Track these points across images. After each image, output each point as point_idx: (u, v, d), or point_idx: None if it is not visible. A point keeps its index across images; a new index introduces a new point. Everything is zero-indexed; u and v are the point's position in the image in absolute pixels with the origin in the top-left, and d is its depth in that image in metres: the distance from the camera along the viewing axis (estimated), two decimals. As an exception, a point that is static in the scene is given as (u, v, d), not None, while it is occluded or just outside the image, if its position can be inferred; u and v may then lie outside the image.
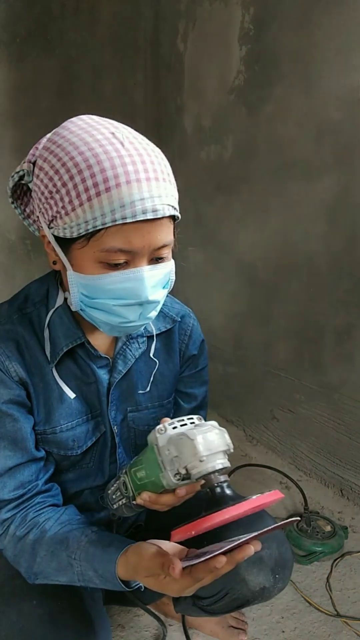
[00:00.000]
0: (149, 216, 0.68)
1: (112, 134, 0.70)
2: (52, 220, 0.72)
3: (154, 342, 0.93)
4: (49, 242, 0.75)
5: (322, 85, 1.56)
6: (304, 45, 1.60)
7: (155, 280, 0.74)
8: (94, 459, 0.93)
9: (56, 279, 0.86)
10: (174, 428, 0.69)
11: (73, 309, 0.77)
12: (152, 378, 0.94)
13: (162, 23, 2.22)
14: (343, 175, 1.56)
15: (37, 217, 0.77)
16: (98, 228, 0.68)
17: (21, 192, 0.85)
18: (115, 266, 0.71)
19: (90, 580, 0.77)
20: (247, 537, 0.61)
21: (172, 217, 0.74)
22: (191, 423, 0.70)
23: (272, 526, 0.64)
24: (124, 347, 0.90)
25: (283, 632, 1.27)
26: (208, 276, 2.24)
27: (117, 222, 0.68)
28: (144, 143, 0.72)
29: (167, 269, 0.76)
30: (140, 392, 0.93)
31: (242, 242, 2.02)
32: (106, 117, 0.76)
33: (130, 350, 0.90)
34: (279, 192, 1.79)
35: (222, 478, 0.65)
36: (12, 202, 0.84)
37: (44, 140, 0.76)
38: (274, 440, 2.05)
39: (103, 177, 0.67)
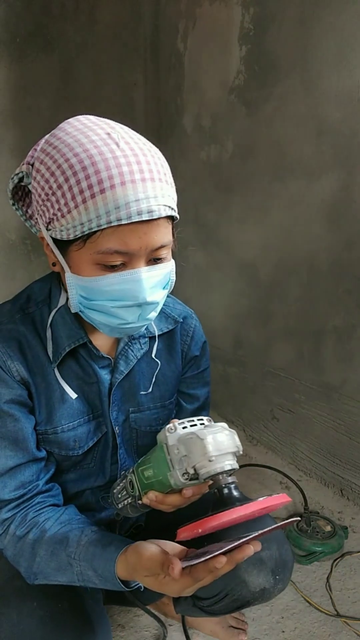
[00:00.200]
0: (145, 217, 0.68)
1: (108, 134, 0.70)
2: (50, 222, 0.72)
3: (156, 342, 0.93)
4: (48, 244, 0.75)
5: (322, 85, 1.56)
6: (304, 45, 1.60)
7: (153, 281, 0.74)
8: (95, 459, 0.93)
9: (58, 279, 0.86)
10: (184, 428, 0.69)
11: (72, 310, 0.77)
12: (154, 379, 0.94)
13: (162, 23, 2.22)
14: (343, 175, 1.56)
15: (37, 219, 0.77)
16: (93, 230, 0.68)
17: (23, 194, 0.85)
18: (112, 268, 0.71)
19: (89, 580, 0.77)
20: (247, 538, 0.61)
21: (171, 218, 0.74)
22: (201, 424, 0.70)
23: (272, 526, 0.64)
24: (126, 347, 0.90)
25: (283, 632, 1.27)
26: (208, 276, 2.24)
27: (112, 224, 0.67)
28: (140, 143, 0.71)
29: (166, 269, 0.76)
30: (142, 392, 0.93)
31: (242, 242, 2.02)
32: (106, 117, 0.76)
33: (132, 351, 0.90)
34: (279, 192, 1.79)
35: (230, 479, 0.65)
36: (13, 204, 0.84)
37: (42, 141, 0.75)
38: (274, 440, 2.05)
39: (97, 178, 0.66)
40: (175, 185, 0.76)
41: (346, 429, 1.73)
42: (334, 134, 1.56)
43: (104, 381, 0.88)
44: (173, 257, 0.79)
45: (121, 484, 0.81)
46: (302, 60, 1.61)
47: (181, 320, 0.97)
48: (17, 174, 0.78)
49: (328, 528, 1.53)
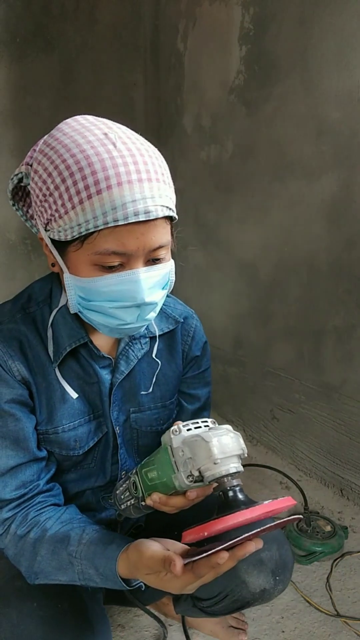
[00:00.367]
0: (141, 218, 0.68)
1: (105, 134, 0.69)
2: (48, 223, 0.72)
3: (157, 342, 0.93)
4: (47, 244, 0.75)
5: (322, 85, 1.56)
6: (304, 45, 1.60)
7: (152, 282, 0.74)
8: (96, 459, 0.93)
9: (59, 279, 0.86)
10: (189, 430, 0.69)
11: (71, 311, 0.77)
12: (154, 379, 0.94)
13: (162, 23, 2.22)
14: (343, 175, 1.56)
15: (35, 219, 0.77)
16: (91, 231, 0.68)
17: (23, 194, 0.85)
18: (111, 268, 0.71)
19: (90, 579, 0.76)
20: (249, 534, 0.61)
21: (169, 218, 0.74)
22: (205, 426, 0.70)
23: (273, 523, 0.63)
24: (127, 347, 0.90)
25: (283, 632, 1.27)
26: (208, 276, 2.24)
27: (109, 225, 0.67)
28: (138, 143, 0.71)
29: (164, 270, 0.76)
30: (143, 392, 0.93)
31: (242, 242, 2.02)
32: (106, 117, 0.75)
33: (133, 351, 0.90)
34: (279, 192, 1.79)
35: (235, 482, 0.65)
36: (13, 204, 0.84)
37: (40, 142, 0.76)
38: (274, 440, 2.05)
39: (94, 179, 0.66)
40: (175, 185, 0.76)
41: (346, 429, 1.73)
42: (334, 134, 1.56)
43: (105, 381, 0.88)
44: (173, 257, 0.79)
45: (124, 485, 0.81)
46: (302, 60, 1.61)
47: (182, 320, 0.97)
48: (17, 174, 0.78)
49: (328, 528, 1.53)
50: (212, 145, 2.06)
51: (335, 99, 1.54)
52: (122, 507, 0.82)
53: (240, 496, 0.65)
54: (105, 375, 0.88)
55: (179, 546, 0.71)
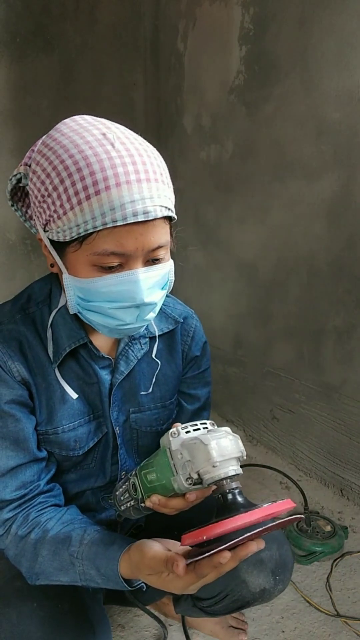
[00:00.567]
0: (140, 218, 0.68)
1: (103, 134, 0.69)
2: (47, 223, 0.72)
3: (157, 343, 0.93)
4: (46, 245, 0.75)
5: (322, 85, 1.56)
6: (304, 45, 1.60)
7: (151, 282, 0.74)
8: (96, 459, 0.93)
9: (58, 279, 0.86)
10: (187, 432, 0.69)
11: (70, 311, 0.77)
12: (154, 379, 0.94)
13: (162, 23, 2.22)
14: (343, 175, 1.56)
15: (34, 220, 0.77)
16: (89, 231, 0.68)
17: (22, 194, 0.85)
18: (109, 269, 0.71)
19: (92, 580, 0.76)
20: (250, 534, 0.61)
21: (168, 218, 0.74)
22: (204, 428, 0.70)
23: (274, 523, 0.63)
24: (126, 347, 0.90)
25: (283, 632, 1.27)
26: (208, 276, 2.24)
27: (107, 225, 0.67)
28: (137, 143, 0.71)
29: (164, 270, 0.76)
30: (143, 393, 0.93)
31: (242, 242, 2.02)
32: (106, 117, 0.75)
33: (133, 351, 0.90)
34: (279, 192, 1.79)
35: (234, 484, 0.65)
36: (12, 205, 0.84)
37: (38, 142, 0.75)
38: (274, 440, 2.05)
39: (93, 180, 0.66)
40: (175, 185, 0.76)
41: (346, 429, 1.73)
42: (334, 134, 1.56)
43: (105, 381, 0.88)
44: (172, 257, 0.79)
45: (124, 487, 0.81)
46: (302, 60, 1.61)
47: (182, 320, 0.97)
48: (15, 175, 0.78)
49: (328, 528, 1.53)
50: (212, 145, 2.06)
51: (335, 99, 1.53)
52: (122, 508, 0.82)
53: (239, 499, 0.64)
54: (105, 375, 0.88)
55: (181, 547, 0.71)
